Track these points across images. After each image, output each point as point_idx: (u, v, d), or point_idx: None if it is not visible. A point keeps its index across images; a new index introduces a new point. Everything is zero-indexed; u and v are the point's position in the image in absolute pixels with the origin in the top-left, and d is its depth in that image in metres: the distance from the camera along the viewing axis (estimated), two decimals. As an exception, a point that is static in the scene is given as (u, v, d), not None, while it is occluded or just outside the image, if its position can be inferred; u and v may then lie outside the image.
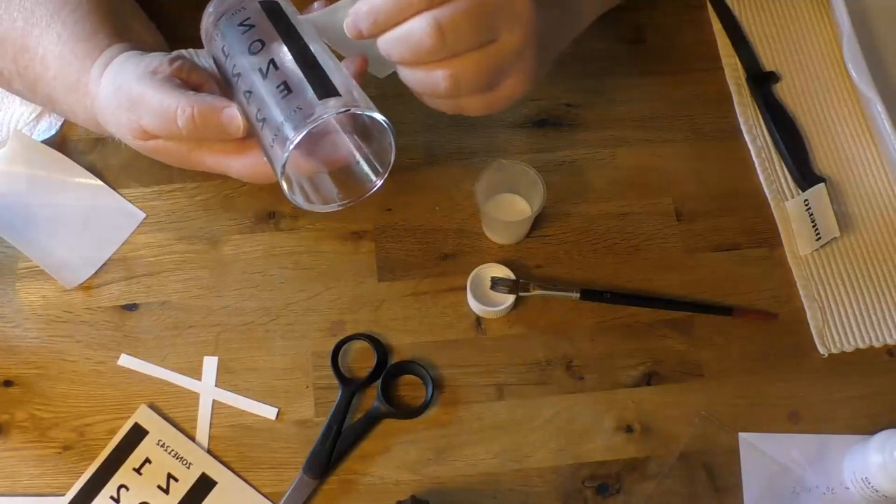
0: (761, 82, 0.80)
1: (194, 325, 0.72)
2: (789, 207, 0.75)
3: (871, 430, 0.66)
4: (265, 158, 0.55)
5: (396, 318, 0.72)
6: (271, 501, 0.66)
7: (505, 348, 0.71)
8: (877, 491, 0.63)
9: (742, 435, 0.68)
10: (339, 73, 0.54)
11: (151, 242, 0.74)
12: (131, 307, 0.72)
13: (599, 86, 0.80)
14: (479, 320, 0.72)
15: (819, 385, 0.70)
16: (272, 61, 0.54)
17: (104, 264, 0.73)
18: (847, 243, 0.74)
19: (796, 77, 0.81)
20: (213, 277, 0.73)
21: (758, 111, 0.79)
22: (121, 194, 0.76)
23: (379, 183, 0.58)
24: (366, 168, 0.58)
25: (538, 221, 0.74)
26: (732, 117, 0.79)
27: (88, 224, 0.75)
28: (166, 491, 0.66)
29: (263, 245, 0.74)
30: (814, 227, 0.73)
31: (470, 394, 0.69)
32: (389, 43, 0.54)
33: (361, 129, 0.58)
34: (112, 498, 0.66)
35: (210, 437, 0.68)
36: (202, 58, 0.62)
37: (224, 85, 0.59)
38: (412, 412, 0.68)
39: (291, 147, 0.51)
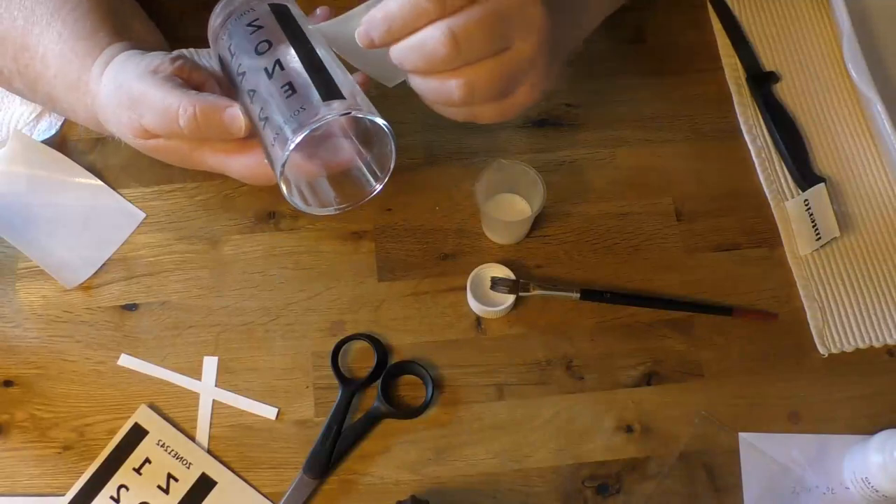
0: (761, 82, 0.80)
1: (194, 325, 0.72)
2: (789, 207, 0.75)
3: (871, 430, 0.66)
4: (266, 159, 0.55)
5: (396, 318, 0.72)
6: (271, 501, 0.66)
7: (505, 348, 0.71)
8: (877, 491, 0.63)
9: (742, 435, 0.68)
10: (345, 78, 0.54)
11: (151, 242, 0.74)
12: (131, 307, 0.72)
13: (599, 86, 0.80)
14: (479, 320, 0.72)
15: (819, 385, 0.70)
16: (278, 62, 0.54)
17: (104, 264, 0.73)
18: (847, 243, 0.74)
19: (796, 77, 0.81)
20: (213, 277, 0.73)
21: (758, 111, 0.79)
22: (121, 194, 0.76)
23: (378, 188, 0.58)
24: (365, 173, 0.59)
25: (538, 221, 0.74)
26: (732, 117, 0.79)
27: (88, 224, 0.75)
28: (166, 491, 0.66)
29: (263, 245, 0.74)
30: (814, 227, 0.73)
31: (470, 394, 0.69)
32: (403, 52, 0.54)
33: (363, 133, 0.58)
34: (112, 498, 0.66)
35: (210, 437, 0.68)
36: (203, 57, 0.62)
37: (226, 85, 0.59)
38: (412, 412, 0.68)
39: (292, 146, 0.51)
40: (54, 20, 0.64)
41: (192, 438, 0.68)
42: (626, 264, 0.74)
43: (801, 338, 0.71)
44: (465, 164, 0.76)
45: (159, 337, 0.71)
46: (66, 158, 0.76)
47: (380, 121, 0.53)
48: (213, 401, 0.69)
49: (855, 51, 0.78)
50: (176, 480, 0.67)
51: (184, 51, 0.61)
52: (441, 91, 0.55)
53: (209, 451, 0.68)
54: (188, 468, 0.67)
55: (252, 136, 0.56)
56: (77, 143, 0.77)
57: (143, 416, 0.68)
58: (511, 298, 0.70)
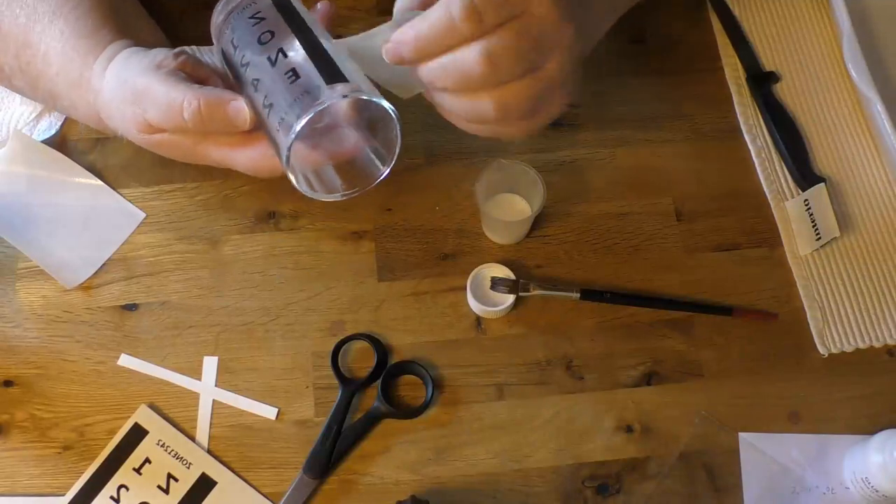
0: (761, 82, 0.80)
1: (194, 325, 0.72)
2: (789, 207, 0.75)
3: (871, 430, 0.66)
4: (271, 150, 0.56)
5: (396, 318, 0.72)
6: (271, 501, 0.66)
7: (505, 348, 0.71)
8: (877, 491, 0.63)
9: (742, 435, 0.68)
10: (348, 63, 0.54)
11: (151, 242, 0.74)
12: (131, 307, 0.72)
13: (599, 86, 0.80)
14: (479, 320, 0.72)
15: (819, 385, 0.70)
16: (281, 50, 0.54)
17: (104, 264, 0.73)
18: (847, 243, 0.74)
19: (796, 77, 0.81)
20: (213, 277, 0.73)
21: (758, 111, 0.79)
22: (121, 194, 0.76)
23: (385, 171, 0.58)
24: (372, 159, 0.58)
25: (538, 221, 0.74)
26: (732, 117, 0.79)
27: (88, 224, 0.75)
28: (166, 491, 0.66)
29: (263, 245, 0.74)
30: (814, 227, 0.73)
31: (470, 394, 0.69)
32: (435, 71, 0.53)
33: (367, 120, 0.58)
34: (112, 498, 0.66)
35: (210, 437, 0.68)
36: (205, 55, 0.62)
37: (230, 81, 0.59)
38: (412, 412, 0.68)
39: (298, 128, 0.51)
40: (56, 18, 0.64)
41: (192, 438, 0.68)
42: (626, 264, 0.74)
43: (801, 338, 0.71)
44: (465, 164, 0.76)
45: (159, 337, 0.71)
46: (66, 158, 0.76)
47: (384, 104, 0.53)
48: (213, 401, 0.69)
49: (855, 51, 0.78)
50: (176, 480, 0.67)
51: (186, 48, 0.62)
52: (473, 110, 0.55)
53: (209, 451, 0.68)
54: (188, 468, 0.67)
55: (256, 129, 0.56)
56: (77, 143, 0.77)
57: (143, 416, 0.68)
58: (511, 298, 0.70)
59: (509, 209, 0.74)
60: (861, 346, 0.71)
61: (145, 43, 0.64)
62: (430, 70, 0.54)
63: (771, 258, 0.74)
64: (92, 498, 0.66)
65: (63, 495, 0.66)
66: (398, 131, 0.55)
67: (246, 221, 0.75)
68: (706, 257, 0.74)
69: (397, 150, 0.56)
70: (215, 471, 0.67)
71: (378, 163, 0.58)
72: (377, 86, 0.55)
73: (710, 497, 0.67)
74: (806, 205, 0.74)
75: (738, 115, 0.79)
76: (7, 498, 0.66)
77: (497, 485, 0.67)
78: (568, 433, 0.68)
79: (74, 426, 0.68)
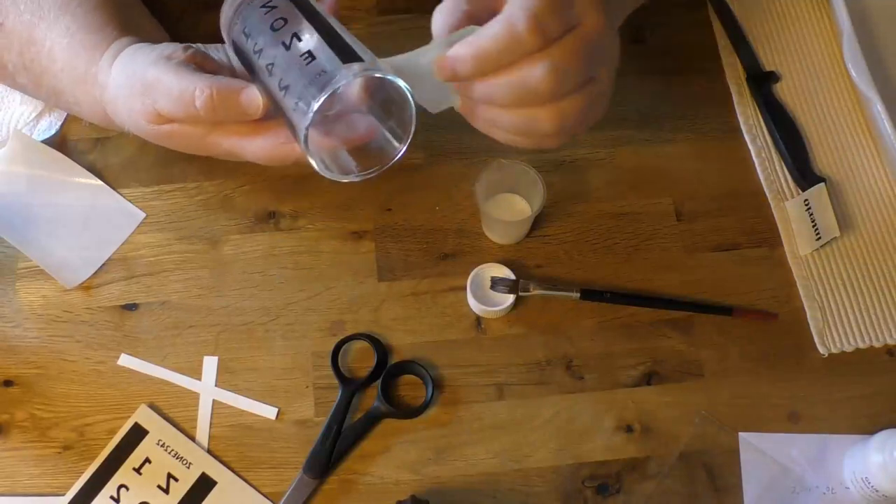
0: (761, 82, 0.80)
1: (194, 325, 0.72)
2: (789, 207, 0.75)
3: (871, 430, 0.66)
4: (281, 138, 0.56)
5: (396, 318, 0.72)
6: (271, 501, 0.66)
7: (505, 348, 0.71)
8: (877, 491, 0.63)
9: (742, 435, 0.68)
10: (361, 45, 0.54)
11: (151, 242, 0.74)
12: (131, 307, 0.72)
13: (599, 86, 0.80)
14: (479, 320, 0.72)
15: (819, 385, 0.70)
16: (295, 34, 0.55)
17: (104, 264, 0.73)
18: (847, 243, 0.74)
19: (796, 77, 0.81)
20: (213, 277, 0.73)
21: (758, 111, 0.79)
22: (121, 194, 0.76)
23: (402, 149, 0.57)
24: (386, 140, 0.58)
25: (538, 221, 0.74)
26: (732, 117, 0.79)
27: (88, 224, 0.75)
28: (166, 491, 0.66)
29: (263, 245, 0.74)
30: (814, 227, 0.73)
31: (470, 394, 0.69)
32: (496, 87, 0.52)
33: (381, 101, 0.58)
34: (112, 498, 0.66)
35: (210, 437, 0.68)
36: (212, 51, 0.62)
37: (240, 74, 0.59)
38: (412, 412, 0.68)
39: (318, 105, 0.51)
40: (62, 14, 0.64)
41: (192, 438, 0.68)
42: (626, 264, 0.74)
43: (801, 338, 0.71)
44: (465, 164, 0.76)
45: (159, 337, 0.71)
46: (66, 158, 0.76)
47: (400, 82, 0.52)
48: (213, 401, 0.69)
49: (855, 51, 0.78)
50: (176, 480, 0.67)
51: (192, 45, 0.62)
52: (528, 124, 0.54)
53: (209, 451, 0.68)
54: (188, 468, 0.67)
55: (267, 118, 0.56)
56: (77, 143, 0.77)
57: (143, 415, 0.68)
58: (511, 298, 0.70)
59: (509, 209, 0.74)
60: (861, 346, 0.71)
61: (147, 38, 0.64)
62: (490, 87, 0.53)
63: (771, 258, 0.74)
64: (92, 498, 0.66)
65: (63, 495, 0.66)
66: (413, 111, 0.54)
67: (246, 221, 0.75)
68: (706, 257, 0.74)
69: (412, 129, 0.55)
70: (215, 471, 0.67)
71: (394, 142, 0.57)
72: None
73: (710, 497, 0.67)
74: (806, 205, 0.74)
75: (738, 115, 0.79)
76: (7, 498, 0.66)
77: (497, 485, 0.67)
78: (568, 433, 0.68)
79: (74, 426, 0.68)
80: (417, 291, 0.73)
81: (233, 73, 0.60)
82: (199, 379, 0.70)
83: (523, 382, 0.70)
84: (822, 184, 0.74)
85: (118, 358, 0.70)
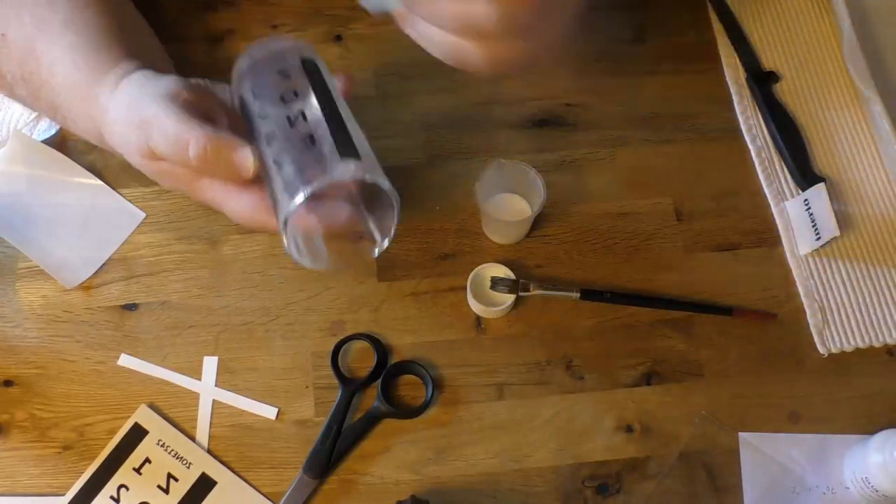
0: (761, 82, 0.80)
1: (194, 325, 0.72)
2: (789, 207, 0.75)
3: (871, 430, 0.66)
4: (264, 203, 0.56)
5: (396, 318, 0.72)
6: (271, 501, 0.66)
7: (505, 348, 0.71)
8: (877, 491, 0.63)
9: (742, 435, 0.68)
10: (363, 140, 0.55)
11: (151, 242, 0.74)
12: (131, 307, 0.72)
13: (599, 86, 0.80)
14: (479, 320, 0.72)
15: (819, 385, 0.70)
16: (302, 113, 0.55)
17: (104, 264, 0.73)
18: (847, 243, 0.74)
19: (796, 77, 0.81)
20: (213, 277, 0.73)
21: (758, 111, 0.79)
22: (121, 194, 0.76)
23: (376, 252, 0.58)
24: (363, 235, 0.59)
25: (538, 221, 0.74)
26: (732, 117, 0.79)
27: (88, 224, 0.75)
28: (166, 491, 0.66)
29: (263, 245, 0.74)
30: (813, 226, 0.73)
31: (470, 394, 0.69)
32: None
33: (366, 195, 0.58)
34: (112, 498, 0.66)
35: (210, 437, 0.68)
36: (217, 87, 0.62)
37: (239, 122, 0.59)
38: (412, 412, 0.68)
39: (305, 196, 0.51)
40: (66, 30, 0.63)
41: (192, 438, 0.68)
42: (626, 264, 0.74)
43: (801, 338, 0.71)
44: (465, 164, 0.76)
45: (159, 337, 0.71)
46: (66, 158, 0.76)
47: (390, 189, 0.53)
48: (213, 401, 0.69)
49: (855, 51, 0.78)
50: (176, 480, 0.67)
51: (200, 81, 0.62)
52: (466, 14, 0.50)
53: (209, 451, 0.68)
54: (188, 468, 0.67)
55: (257, 181, 0.56)
56: (77, 143, 0.77)
57: (143, 415, 0.68)
58: (511, 298, 0.70)
59: (509, 209, 0.74)
60: (861, 346, 0.71)
61: (152, 63, 0.64)
62: None
63: (771, 258, 0.74)
64: (92, 498, 0.66)
65: (63, 495, 0.66)
66: (396, 216, 0.55)
67: (246, 221, 0.75)
68: (706, 257, 0.74)
69: (393, 233, 0.56)
70: (215, 471, 0.67)
71: (373, 235, 0.58)
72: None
73: (710, 497, 0.67)
74: (806, 205, 0.74)
75: (738, 115, 0.79)
76: (7, 498, 0.66)
77: (497, 485, 0.67)
78: (568, 433, 0.68)
79: (74, 426, 0.68)
80: (417, 291, 0.73)
81: (232, 118, 0.60)
82: (199, 379, 0.70)
83: (523, 382, 0.70)
84: (822, 184, 0.74)
85: (118, 358, 0.70)
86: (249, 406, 0.69)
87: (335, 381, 0.69)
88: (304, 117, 0.55)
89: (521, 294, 0.70)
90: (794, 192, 0.76)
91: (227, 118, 0.60)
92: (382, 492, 0.66)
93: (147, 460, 0.67)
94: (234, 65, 0.60)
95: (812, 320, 0.72)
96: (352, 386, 0.68)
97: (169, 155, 0.57)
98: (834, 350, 0.71)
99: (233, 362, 0.70)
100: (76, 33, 0.63)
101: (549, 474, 0.67)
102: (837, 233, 0.73)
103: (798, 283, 0.73)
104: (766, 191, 0.76)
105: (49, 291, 0.73)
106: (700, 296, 0.73)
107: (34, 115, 0.77)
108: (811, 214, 0.73)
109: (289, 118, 0.55)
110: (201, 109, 0.59)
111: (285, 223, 0.52)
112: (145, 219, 0.75)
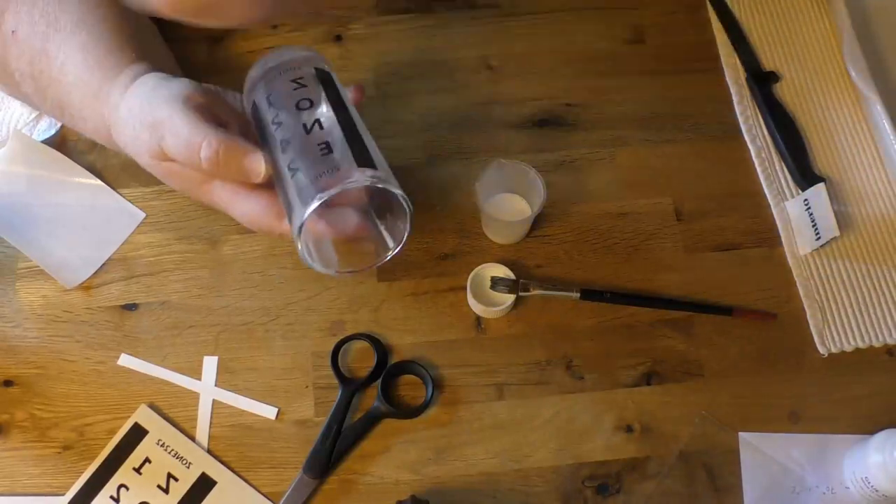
0: (761, 82, 0.80)
1: (194, 325, 0.72)
2: (789, 207, 0.75)
3: (871, 430, 0.66)
4: (272, 207, 0.56)
5: (396, 318, 0.72)
6: (271, 501, 0.66)
7: (505, 348, 0.71)
8: (877, 491, 0.63)
9: (742, 435, 0.68)
10: (376, 149, 0.56)
11: (151, 242, 0.74)
12: (131, 307, 0.72)
13: (599, 86, 0.80)
14: (479, 320, 0.72)
15: (819, 385, 0.70)
16: (318, 121, 0.56)
17: (104, 264, 0.73)
18: (847, 243, 0.74)
19: (796, 77, 0.81)
20: (213, 277, 0.73)
21: (758, 111, 0.79)
22: (121, 194, 0.76)
23: (385, 258, 0.59)
24: (373, 241, 0.59)
25: (538, 221, 0.74)
26: (732, 117, 0.79)
27: (88, 224, 0.75)
28: (166, 490, 0.66)
29: (263, 245, 0.74)
30: (814, 226, 0.73)
31: (470, 394, 0.69)
32: None
33: (378, 203, 0.59)
34: (112, 497, 0.66)
35: (210, 437, 0.68)
36: (228, 95, 0.63)
37: (249, 128, 0.60)
38: (412, 412, 0.68)
39: (321, 200, 0.51)
40: (79, 30, 0.64)
41: (192, 438, 0.68)
42: (626, 264, 0.74)
43: (801, 338, 0.71)
44: (465, 164, 0.76)
45: (159, 337, 0.71)
46: (66, 158, 0.76)
47: (403, 198, 0.54)
48: (213, 401, 0.69)
49: (855, 51, 0.78)
50: (176, 480, 0.67)
51: (212, 86, 0.62)
52: None
53: (209, 451, 0.68)
54: (188, 468, 0.67)
55: (266, 185, 0.56)
56: (77, 143, 0.77)
57: (143, 415, 0.68)
58: (511, 298, 0.70)
59: (509, 209, 0.74)
60: (861, 346, 0.71)
61: (160, 65, 0.65)
62: None
63: (771, 258, 0.74)
64: (92, 497, 0.66)
65: (63, 495, 0.66)
66: (408, 225, 0.56)
67: (246, 221, 0.75)
68: (706, 257, 0.74)
69: (405, 239, 0.57)
70: (215, 470, 0.67)
71: (381, 247, 0.59)
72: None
73: (710, 497, 0.67)
74: (806, 205, 0.74)
75: (738, 115, 0.79)
76: (7, 498, 0.66)
77: (497, 485, 0.67)
78: (568, 433, 0.68)
79: (74, 426, 0.68)
80: (417, 291, 0.73)
81: (244, 124, 0.60)
82: (199, 379, 0.70)
83: (523, 382, 0.70)
84: (822, 184, 0.74)
85: (118, 358, 0.70)
86: (249, 406, 0.69)
87: (335, 381, 0.69)
88: (320, 125, 0.56)
89: (521, 294, 0.70)
90: (794, 192, 0.76)
91: (237, 123, 0.61)
92: (382, 492, 0.66)
93: (147, 460, 0.67)
94: (247, 73, 0.61)
95: (812, 320, 0.72)
96: (352, 386, 0.68)
97: (180, 157, 0.57)
98: (834, 350, 0.71)
99: (233, 362, 0.70)
100: (88, 33, 0.64)
101: (549, 474, 0.67)
102: (837, 233, 0.73)
103: (798, 283, 0.73)
104: (766, 191, 0.76)
105: (49, 291, 0.73)
106: (700, 296, 0.73)
107: (34, 115, 0.77)
108: (811, 214, 0.73)
109: (304, 126, 0.56)
110: (213, 113, 0.59)
111: (300, 229, 0.53)
112: (145, 219, 0.75)
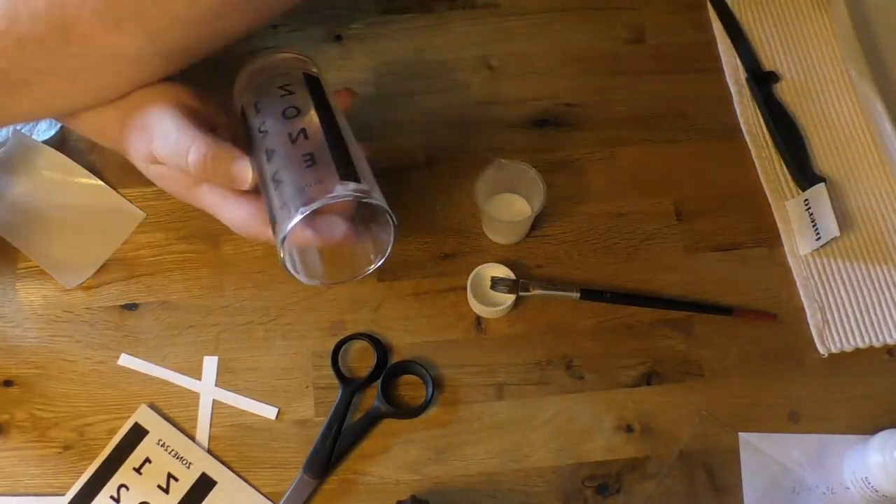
0: (761, 82, 0.80)
1: (194, 325, 0.72)
2: (789, 207, 0.75)
3: (871, 430, 0.66)
4: (260, 213, 0.56)
5: (396, 318, 0.72)
6: (271, 501, 0.66)
7: (505, 348, 0.71)
8: (877, 491, 0.63)
9: (742, 435, 0.68)
10: (362, 162, 0.55)
11: (151, 242, 0.74)
12: (131, 307, 0.72)
13: (599, 86, 0.80)
14: (479, 320, 0.72)
15: (819, 385, 0.70)
16: (303, 131, 0.56)
17: (104, 264, 0.73)
18: (847, 243, 0.74)
19: (796, 77, 0.81)
20: (213, 277, 0.73)
21: (758, 111, 0.79)
22: (121, 194, 0.76)
23: (369, 270, 0.59)
24: (358, 253, 0.59)
25: (538, 221, 0.74)
26: (732, 117, 0.79)
27: (88, 224, 0.75)
28: (166, 490, 0.66)
29: (263, 245, 0.74)
30: (814, 226, 0.73)
31: (470, 394, 0.69)
32: None
33: (363, 216, 0.59)
34: (112, 498, 0.66)
35: (210, 437, 0.68)
36: (224, 96, 0.63)
37: (239, 133, 0.60)
38: (412, 412, 0.68)
39: (303, 216, 0.51)
40: None
41: (192, 438, 0.68)
42: (626, 264, 0.74)
43: (801, 338, 0.71)
44: (465, 164, 0.76)
45: (159, 337, 0.71)
46: (66, 158, 0.76)
47: (387, 210, 0.54)
48: (213, 400, 0.69)
49: (855, 51, 0.78)
50: (176, 480, 0.67)
51: (204, 90, 0.62)
52: None
53: (209, 451, 0.68)
54: (188, 468, 0.67)
55: (255, 190, 0.56)
56: (77, 143, 0.77)
57: (143, 415, 0.68)
58: (511, 298, 0.70)
59: (509, 209, 0.74)
60: (861, 346, 0.71)
61: None
62: None
63: (771, 258, 0.74)
64: (92, 498, 0.66)
65: (63, 495, 0.66)
66: (392, 236, 0.56)
67: (246, 221, 0.75)
68: (706, 257, 0.74)
69: (388, 253, 0.57)
70: (215, 470, 0.67)
71: (366, 258, 0.59)
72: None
73: (710, 497, 0.67)
74: (806, 205, 0.74)
75: (738, 115, 0.79)
76: (7, 498, 0.66)
77: (497, 485, 0.67)
78: (568, 433, 0.68)
79: (74, 426, 0.68)
80: (417, 291, 0.73)
81: (234, 130, 0.60)
82: (199, 379, 0.70)
83: (523, 382, 0.70)
84: (822, 184, 0.74)
85: (118, 358, 0.70)
86: (249, 406, 0.69)
87: (335, 381, 0.69)
88: (305, 135, 0.55)
89: (521, 294, 0.70)
90: (794, 192, 0.76)
91: (229, 127, 0.61)
92: (382, 492, 0.66)
93: (147, 460, 0.67)
94: (236, 75, 0.61)
95: (812, 320, 0.72)
96: (352, 386, 0.68)
97: (169, 160, 0.57)
98: (834, 350, 0.71)
99: (233, 362, 0.70)
100: None
101: (549, 474, 0.67)
102: (837, 233, 0.73)
103: (798, 283, 0.73)
104: (766, 191, 0.76)
105: (49, 291, 0.73)
106: (700, 296, 0.73)
107: (34, 115, 0.77)
108: (811, 214, 0.73)
109: (290, 135, 0.55)
110: (204, 117, 0.59)
111: (283, 240, 0.52)
112: (145, 219, 0.75)
